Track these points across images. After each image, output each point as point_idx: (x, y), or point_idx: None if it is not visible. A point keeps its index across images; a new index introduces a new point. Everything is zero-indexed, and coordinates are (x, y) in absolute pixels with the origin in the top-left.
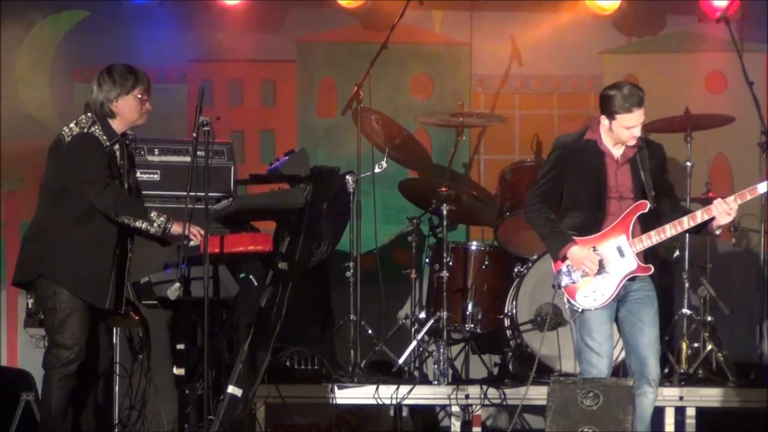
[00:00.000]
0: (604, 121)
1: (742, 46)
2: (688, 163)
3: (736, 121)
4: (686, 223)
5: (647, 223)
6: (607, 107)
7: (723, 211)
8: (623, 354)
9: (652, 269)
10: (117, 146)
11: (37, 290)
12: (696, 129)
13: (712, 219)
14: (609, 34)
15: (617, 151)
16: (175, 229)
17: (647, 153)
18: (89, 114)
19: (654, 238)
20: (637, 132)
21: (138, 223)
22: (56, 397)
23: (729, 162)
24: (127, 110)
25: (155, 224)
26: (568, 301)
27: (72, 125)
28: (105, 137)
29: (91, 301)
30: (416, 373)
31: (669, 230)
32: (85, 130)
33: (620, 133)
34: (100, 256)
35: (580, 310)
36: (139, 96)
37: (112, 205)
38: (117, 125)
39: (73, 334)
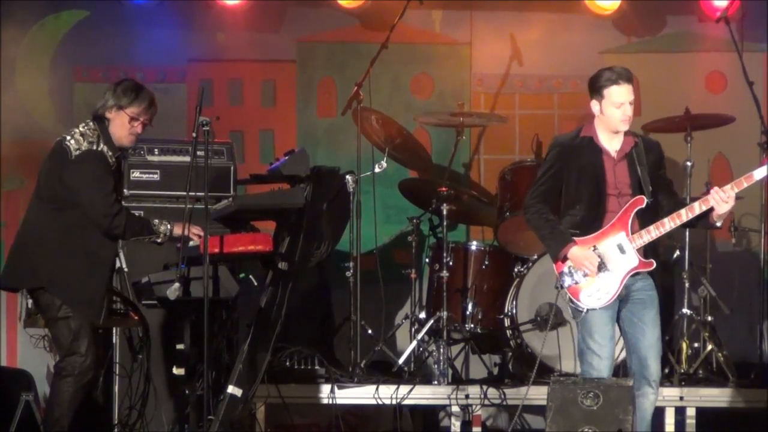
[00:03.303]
0: (595, 107)
1: (742, 46)
2: (688, 163)
3: (736, 121)
4: (684, 215)
5: (646, 220)
6: (595, 85)
7: (720, 200)
8: (624, 354)
9: (654, 264)
10: (114, 160)
11: (42, 299)
12: (696, 129)
13: (711, 210)
14: (609, 34)
15: (614, 147)
16: (177, 231)
17: (644, 149)
18: (93, 125)
19: (653, 232)
20: (629, 111)
21: (146, 240)
22: (68, 409)
23: (729, 162)
24: (116, 125)
25: (161, 235)
26: (572, 302)
27: (78, 136)
28: (110, 153)
29: (88, 318)
30: (416, 373)
31: (668, 224)
32: (94, 147)
33: (612, 115)
34: (98, 270)
35: (585, 310)
36: (130, 115)
37: (122, 230)
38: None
39: (88, 342)
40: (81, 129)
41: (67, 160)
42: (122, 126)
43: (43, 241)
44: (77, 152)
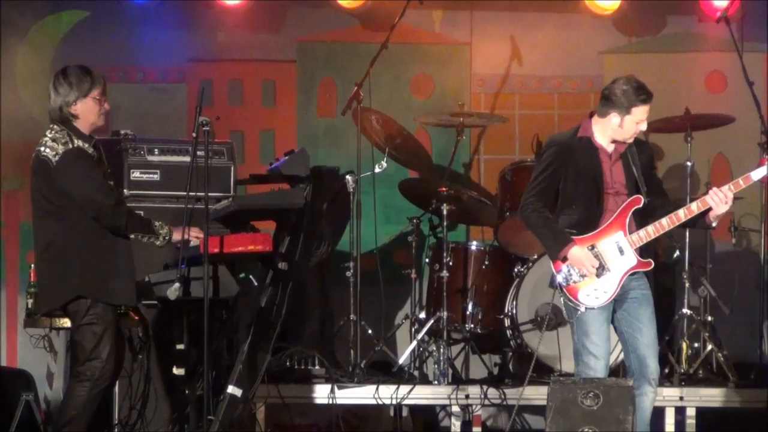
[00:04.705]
0: (615, 119)
1: (742, 46)
2: (688, 163)
3: (736, 121)
4: (683, 215)
5: (641, 219)
6: (621, 103)
7: (719, 201)
8: (622, 355)
9: (652, 264)
10: (93, 149)
11: (70, 307)
12: (696, 129)
13: (708, 210)
14: (609, 34)
15: (611, 147)
16: (176, 237)
17: (636, 150)
18: (59, 127)
19: (652, 232)
20: (644, 126)
21: (145, 239)
22: (83, 413)
23: (729, 162)
24: (86, 113)
25: (161, 237)
26: (570, 301)
27: (50, 143)
28: (87, 145)
29: (128, 303)
30: (416, 373)
31: (666, 224)
32: (70, 146)
33: (629, 129)
34: (120, 258)
35: (582, 309)
36: (97, 97)
37: (123, 223)
38: (81, 128)
39: (110, 348)
40: (50, 135)
41: (50, 169)
42: (92, 110)
43: (60, 255)
44: (56, 158)
